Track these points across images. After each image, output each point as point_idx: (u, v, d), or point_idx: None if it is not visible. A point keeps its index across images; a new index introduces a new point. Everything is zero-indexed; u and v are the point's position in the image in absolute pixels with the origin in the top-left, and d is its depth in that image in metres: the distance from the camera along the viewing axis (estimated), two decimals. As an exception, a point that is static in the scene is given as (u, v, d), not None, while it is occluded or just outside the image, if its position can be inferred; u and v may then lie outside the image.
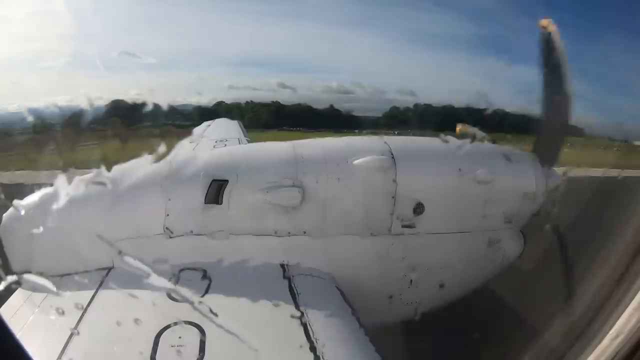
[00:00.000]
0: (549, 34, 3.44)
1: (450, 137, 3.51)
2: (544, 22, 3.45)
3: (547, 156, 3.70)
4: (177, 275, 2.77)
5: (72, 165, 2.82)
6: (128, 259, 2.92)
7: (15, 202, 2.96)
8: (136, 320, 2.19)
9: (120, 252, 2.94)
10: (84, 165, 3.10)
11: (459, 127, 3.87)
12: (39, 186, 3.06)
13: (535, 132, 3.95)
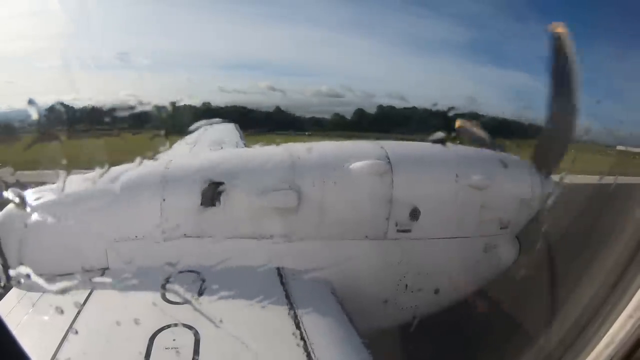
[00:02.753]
0: (561, 39, 3.38)
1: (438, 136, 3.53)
2: (557, 26, 3.38)
3: (547, 164, 3.73)
4: (173, 277, 2.75)
5: (68, 164, 2.81)
6: (123, 259, 2.91)
7: (11, 194, 2.93)
8: (130, 322, 2.17)
9: (115, 253, 2.92)
10: (79, 165, 3.09)
11: (458, 122, 3.86)
12: (37, 184, 3.05)
13: (537, 138, 3.94)
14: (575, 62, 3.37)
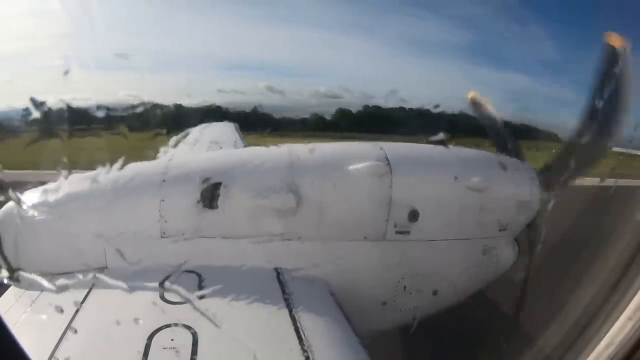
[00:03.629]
0: (616, 50, 3.22)
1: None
2: (613, 37, 3.20)
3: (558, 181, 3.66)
4: (171, 277, 2.74)
5: (67, 163, 2.81)
6: (122, 259, 2.90)
7: (13, 195, 2.93)
8: (129, 321, 2.16)
9: (114, 252, 2.91)
10: (78, 164, 3.09)
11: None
12: (36, 184, 3.04)
13: (569, 143, 3.87)
14: (629, 78, 3.19)
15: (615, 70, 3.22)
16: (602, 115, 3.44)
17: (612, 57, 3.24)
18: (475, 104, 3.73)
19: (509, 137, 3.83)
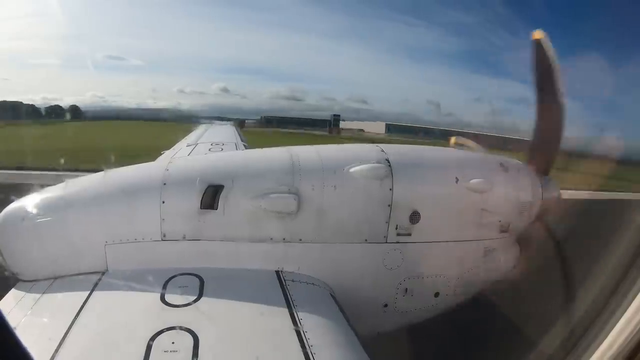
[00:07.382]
0: (541, 44, 3.61)
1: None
2: (536, 33, 3.63)
3: (541, 166, 3.75)
4: (171, 280, 2.74)
5: (70, 165, 2.81)
6: (122, 262, 2.90)
7: (14, 199, 2.93)
8: (129, 325, 2.16)
9: (114, 255, 2.91)
10: (78, 166, 3.09)
11: (453, 139, 3.92)
12: (37, 186, 3.05)
13: (530, 141, 4.00)
14: (557, 64, 3.61)
15: (546, 60, 3.63)
16: (546, 102, 3.75)
17: (538, 48, 3.66)
18: (458, 147, 3.86)
19: None
